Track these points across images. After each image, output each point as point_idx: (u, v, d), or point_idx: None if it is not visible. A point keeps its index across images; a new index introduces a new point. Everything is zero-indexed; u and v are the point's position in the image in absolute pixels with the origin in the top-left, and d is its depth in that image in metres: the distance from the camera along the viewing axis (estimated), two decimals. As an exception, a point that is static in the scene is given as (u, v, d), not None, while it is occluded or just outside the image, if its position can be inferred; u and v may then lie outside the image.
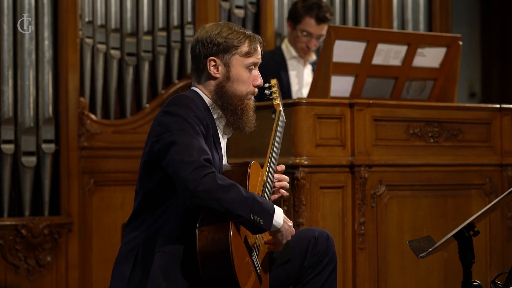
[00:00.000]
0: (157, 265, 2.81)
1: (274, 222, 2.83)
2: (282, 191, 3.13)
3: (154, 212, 2.90)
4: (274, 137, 3.13)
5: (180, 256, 2.82)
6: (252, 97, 3.04)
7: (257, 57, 3.02)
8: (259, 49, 3.02)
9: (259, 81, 3.03)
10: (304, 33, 5.03)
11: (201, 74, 3.01)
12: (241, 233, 2.82)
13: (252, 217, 2.76)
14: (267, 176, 3.02)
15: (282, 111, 3.26)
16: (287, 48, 5.15)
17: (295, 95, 5.10)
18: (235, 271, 2.71)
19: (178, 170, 2.75)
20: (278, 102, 3.27)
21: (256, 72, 3.03)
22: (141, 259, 2.87)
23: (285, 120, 3.28)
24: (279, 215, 2.85)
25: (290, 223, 2.93)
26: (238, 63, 2.98)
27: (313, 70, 5.18)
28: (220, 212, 2.74)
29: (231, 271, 2.71)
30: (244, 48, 2.98)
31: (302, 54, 5.12)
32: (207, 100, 2.99)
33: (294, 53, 5.13)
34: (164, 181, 2.87)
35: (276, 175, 3.10)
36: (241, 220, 2.76)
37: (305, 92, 5.13)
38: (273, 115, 3.25)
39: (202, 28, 3.04)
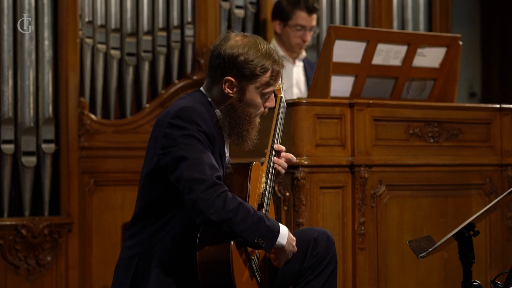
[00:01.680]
0: (156, 279, 2.80)
1: (276, 243, 2.82)
2: (280, 168, 3.06)
3: (156, 221, 2.87)
4: (275, 128, 3.05)
5: (179, 271, 2.81)
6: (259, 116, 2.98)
7: (276, 85, 2.95)
8: (280, 75, 2.94)
9: (271, 103, 2.96)
10: (298, 27, 5.05)
11: (214, 85, 2.93)
12: (242, 243, 2.80)
13: (255, 241, 2.76)
14: (268, 170, 2.97)
15: (283, 97, 3.16)
16: (274, 48, 5.15)
17: (284, 94, 5.09)
18: (234, 283, 2.70)
19: (190, 188, 2.71)
20: (279, 87, 3.17)
21: (271, 95, 2.95)
22: (141, 271, 2.85)
23: (285, 106, 3.18)
24: (283, 236, 2.84)
25: (294, 242, 2.91)
26: (254, 91, 2.89)
27: (304, 67, 5.19)
28: (225, 232, 2.72)
29: (230, 283, 2.70)
30: (265, 78, 2.89)
31: (298, 49, 5.13)
32: (215, 109, 2.93)
33: (281, 52, 5.14)
34: (167, 193, 2.83)
35: (274, 159, 3.04)
36: (244, 241, 2.76)
37: (295, 91, 5.13)
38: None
39: (228, 38, 2.90)
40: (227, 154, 3.01)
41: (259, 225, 2.76)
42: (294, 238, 2.92)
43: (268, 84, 2.90)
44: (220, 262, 2.71)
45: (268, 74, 2.89)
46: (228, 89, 2.89)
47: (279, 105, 3.13)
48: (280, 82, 3.19)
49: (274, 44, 5.17)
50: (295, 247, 2.92)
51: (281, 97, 3.16)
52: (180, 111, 2.82)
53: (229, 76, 2.87)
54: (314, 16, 5.10)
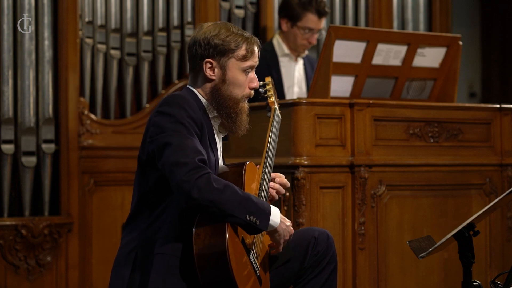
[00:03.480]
0: (157, 267, 2.81)
1: (270, 222, 2.83)
2: (274, 194, 3.10)
3: (151, 213, 2.89)
4: (270, 136, 3.11)
5: (179, 257, 2.81)
6: (247, 100, 3.03)
7: (254, 60, 3.00)
8: (256, 51, 3.01)
9: (255, 83, 3.01)
10: (306, 30, 4.99)
11: (197, 75, 3.00)
12: (238, 235, 2.81)
13: (248, 218, 2.76)
14: (263, 175, 3.00)
15: (277, 109, 3.24)
16: (279, 45, 5.11)
17: (286, 93, 5.09)
18: (232, 273, 2.71)
19: (173, 171, 2.74)
20: (273, 100, 3.25)
21: (252, 74, 3.01)
22: (140, 261, 2.87)
23: (280, 118, 3.26)
24: (275, 215, 2.86)
25: (288, 223, 2.93)
26: (234, 67, 2.96)
27: (304, 65, 5.17)
28: (216, 213, 2.74)
29: (228, 274, 2.71)
30: (241, 51, 2.96)
31: (302, 50, 5.09)
32: (202, 100, 2.98)
33: (286, 50, 5.10)
34: (160, 182, 2.86)
35: (271, 184, 3.08)
36: (237, 221, 2.76)
37: (296, 90, 5.11)
38: (268, 113, 3.23)
39: (200, 27, 3.01)
40: (219, 146, 3.03)
41: (248, 202, 2.77)
42: (288, 220, 2.94)
43: (245, 58, 2.97)
44: (216, 254, 2.71)
45: (243, 48, 2.97)
46: (209, 72, 2.96)
47: (274, 116, 3.20)
48: (274, 94, 3.24)
49: (278, 40, 5.12)
50: (291, 228, 2.94)
51: (275, 108, 3.24)
52: (167, 99, 2.89)
53: (207, 58, 2.95)
54: (323, 19, 5.04)
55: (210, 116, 2.98)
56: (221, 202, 2.73)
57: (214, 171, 2.93)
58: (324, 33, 5.50)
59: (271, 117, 3.20)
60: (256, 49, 3.00)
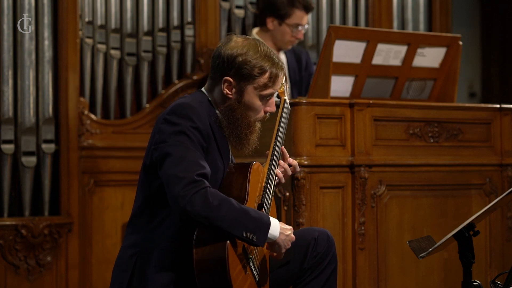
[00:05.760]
0: (155, 278, 2.80)
1: (269, 235, 2.80)
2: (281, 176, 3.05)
3: (153, 219, 2.87)
4: (278, 130, 3.05)
5: (178, 270, 2.81)
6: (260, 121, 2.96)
7: (275, 88, 2.91)
8: (280, 78, 2.91)
9: (271, 108, 2.94)
10: (295, 27, 5.02)
11: (215, 86, 2.93)
12: (239, 242, 2.79)
13: (244, 235, 2.73)
14: (269, 171, 2.96)
15: (287, 100, 3.16)
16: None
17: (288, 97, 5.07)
18: (230, 280, 2.70)
19: (170, 184, 2.72)
20: (283, 89, 3.16)
21: (271, 100, 2.93)
22: (139, 270, 2.85)
23: (289, 109, 3.18)
24: (274, 228, 2.82)
25: (289, 231, 2.88)
26: (253, 92, 2.88)
27: (286, 56, 5.17)
28: (211, 229, 2.72)
29: (226, 280, 2.70)
30: (263, 79, 2.87)
31: (289, 46, 5.11)
32: (216, 109, 2.92)
33: None
34: (162, 189, 2.83)
35: (281, 162, 3.03)
36: (234, 237, 2.74)
37: None
38: (277, 101, 3.14)
39: (229, 39, 2.91)
40: (230, 152, 3.00)
41: (245, 218, 2.74)
42: (289, 227, 2.90)
43: (266, 86, 2.89)
44: (216, 260, 2.70)
45: (266, 75, 2.88)
46: (227, 90, 2.89)
47: (283, 107, 3.12)
48: (284, 84, 3.18)
49: (256, 37, 5.11)
50: (292, 236, 2.90)
51: (285, 99, 3.16)
52: (176, 107, 2.84)
53: (228, 76, 2.87)
54: (309, 14, 5.10)
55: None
56: (216, 219, 2.69)
57: (221, 179, 2.91)
58: (324, 33, 5.50)
59: (280, 107, 3.11)
60: (280, 75, 2.91)
